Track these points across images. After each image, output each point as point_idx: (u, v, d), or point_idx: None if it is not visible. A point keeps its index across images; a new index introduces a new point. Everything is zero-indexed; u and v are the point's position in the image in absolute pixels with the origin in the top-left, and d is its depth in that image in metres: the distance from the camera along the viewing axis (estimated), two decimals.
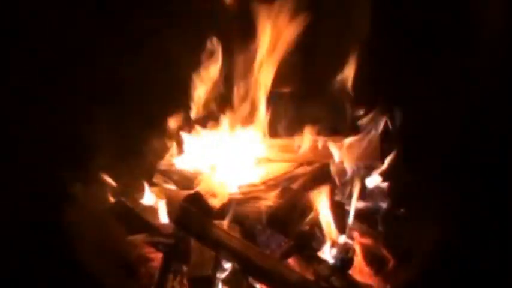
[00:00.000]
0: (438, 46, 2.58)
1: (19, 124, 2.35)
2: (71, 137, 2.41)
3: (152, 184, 2.35)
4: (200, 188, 2.00)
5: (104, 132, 2.37)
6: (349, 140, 2.21)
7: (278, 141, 2.31)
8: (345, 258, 2.08)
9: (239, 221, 2.05)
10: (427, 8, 2.54)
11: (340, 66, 2.38)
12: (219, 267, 1.89)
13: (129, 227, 2.22)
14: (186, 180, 2.22)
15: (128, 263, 2.13)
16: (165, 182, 2.33)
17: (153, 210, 2.27)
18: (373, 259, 2.14)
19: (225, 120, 2.28)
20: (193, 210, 1.90)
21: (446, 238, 2.12)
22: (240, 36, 2.26)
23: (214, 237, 1.86)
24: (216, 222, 1.97)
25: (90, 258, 2.05)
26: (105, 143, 2.34)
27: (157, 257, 2.12)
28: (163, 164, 2.34)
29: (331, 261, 2.05)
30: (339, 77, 2.38)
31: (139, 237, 2.08)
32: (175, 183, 2.22)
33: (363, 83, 2.40)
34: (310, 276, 1.94)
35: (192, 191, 2.00)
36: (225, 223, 1.99)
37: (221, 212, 2.00)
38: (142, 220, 2.21)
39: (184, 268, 1.95)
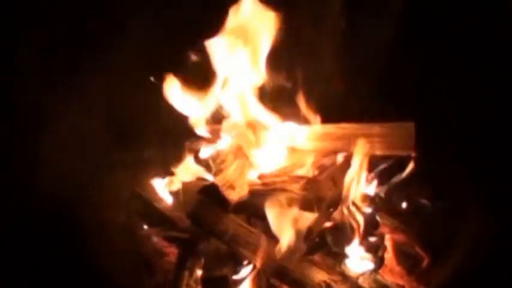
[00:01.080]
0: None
1: None
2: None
3: (171, 174, 2.21)
4: (217, 178, 1.84)
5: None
6: (381, 127, 2.01)
7: (304, 129, 2.12)
8: (375, 256, 1.91)
9: (260, 215, 1.89)
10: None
11: None
12: (236, 265, 1.73)
13: (145, 219, 2.11)
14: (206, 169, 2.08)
15: (143, 257, 2.03)
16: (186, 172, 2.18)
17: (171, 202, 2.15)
18: (405, 257, 2.00)
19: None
20: (207, 203, 1.75)
21: (489, 236, 1.93)
22: None
23: (231, 233, 1.72)
24: (235, 216, 1.83)
25: (104, 253, 1.95)
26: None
27: (174, 251, 2.01)
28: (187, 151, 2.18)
29: (359, 259, 1.88)
30: None
31: (153, 231, 1.95)
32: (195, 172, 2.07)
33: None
34: (336, 276, 1.78)
35: (207, 183, 1.85)
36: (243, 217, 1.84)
37: (240, 205, 1.84)
38: (158, 212, 2.08)
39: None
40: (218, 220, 1.74)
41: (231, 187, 1.80)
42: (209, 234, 1.78)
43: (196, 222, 1.78)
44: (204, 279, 1.72)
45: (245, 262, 1.78)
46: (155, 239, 2.05)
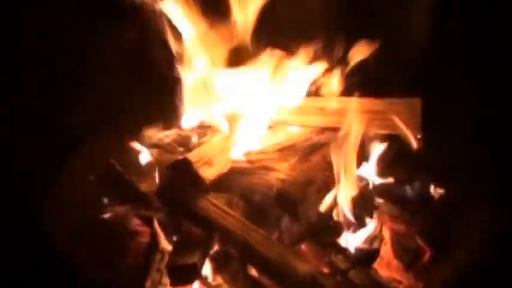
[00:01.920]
0: None
1: None
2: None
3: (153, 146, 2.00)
4: (192, 153, 1.62)
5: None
6: (383, 103, 1.78)
7: (296, 102, 1.89)
8: (370, 247, 1.70)
9: (243, 195, 1.68)
10: None
11: None
12: (208, 252, 1.52)
13: (117, 194, 1.89)
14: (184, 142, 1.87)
15: (114, 236, 1.82)
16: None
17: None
18: (404, 250, 1.76)
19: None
20: (179, 180, 1.53)
21: (499, 229, 1.72)
22: None
23: (204, 215, 1.51)
24: (213, 196, 1.61)
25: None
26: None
27: (147, 231, 1.81)
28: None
29: (352, 250, 1.68)
30: None
31: (121, 209, 1.74)
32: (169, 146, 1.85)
33: None
34: (325, 269, 1.58)
35: (180, 157, 1.63)
36: (223, 198, 1.63)
37: (219, 184, 1.63)
38: (132, 187, 1.87)
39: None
40: (189, 200, 1.52)
41: (208, 163, 1.58)
42: (179, 216, 1.57)
43: (165, 201, 1.57)
44: (171, 267, 1.50)
45: (219, 249, 1.55)
46: (129, 216, 1.83)
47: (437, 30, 2.18)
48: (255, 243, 1.50)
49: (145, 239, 1.79)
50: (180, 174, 1.53)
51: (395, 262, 1.72)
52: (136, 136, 1.96)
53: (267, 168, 1.74)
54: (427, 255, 1.76)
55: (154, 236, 1.73)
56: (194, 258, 1.45)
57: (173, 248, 1.57)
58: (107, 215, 1.73)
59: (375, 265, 1.68)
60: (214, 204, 1.56)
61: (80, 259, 1.71)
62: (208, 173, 1.56)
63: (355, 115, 1.74)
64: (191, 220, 1.55)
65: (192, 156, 1.59)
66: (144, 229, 1.82)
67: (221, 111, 1.84)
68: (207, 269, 1.55)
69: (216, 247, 1.55)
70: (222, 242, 1.53)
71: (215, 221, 1.52)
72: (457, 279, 1.65)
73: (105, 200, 1.85)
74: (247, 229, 1.54)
